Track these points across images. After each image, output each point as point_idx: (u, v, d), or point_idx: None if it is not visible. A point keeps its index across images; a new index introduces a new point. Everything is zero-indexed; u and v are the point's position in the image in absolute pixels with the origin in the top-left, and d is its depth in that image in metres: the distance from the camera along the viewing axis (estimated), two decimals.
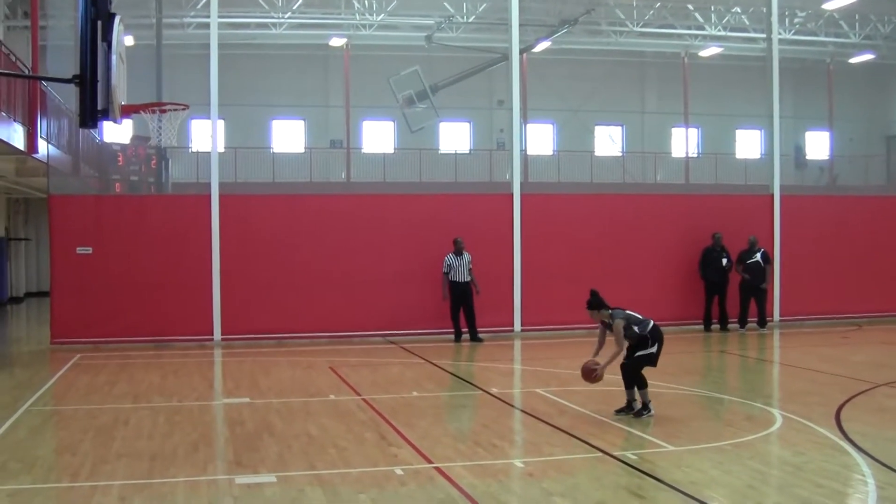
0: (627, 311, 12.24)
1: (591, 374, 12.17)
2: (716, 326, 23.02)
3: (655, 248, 23.17)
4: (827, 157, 46.85)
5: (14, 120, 21.17)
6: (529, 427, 12.08)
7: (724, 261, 22.77)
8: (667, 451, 10.35)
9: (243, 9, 36.84)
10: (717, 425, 12.26)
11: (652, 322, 12.29)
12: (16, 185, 30.04)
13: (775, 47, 24.54)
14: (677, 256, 23.18)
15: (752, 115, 37.36)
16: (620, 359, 12.16)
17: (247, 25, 38.52)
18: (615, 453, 10.18)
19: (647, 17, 39.94)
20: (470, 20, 38.73)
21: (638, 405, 12.16)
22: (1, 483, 9.20)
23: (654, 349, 12.18)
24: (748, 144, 46.83)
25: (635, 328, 12.10)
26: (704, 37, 41.29)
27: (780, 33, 25.79)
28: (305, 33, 39.96)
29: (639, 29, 40.36)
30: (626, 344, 12.06)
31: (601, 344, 12.31)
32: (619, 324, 12.01)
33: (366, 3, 37.94)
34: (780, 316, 23.90)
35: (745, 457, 10.01)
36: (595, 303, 12.22)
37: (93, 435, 11.50)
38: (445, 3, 37.37)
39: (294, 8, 37.38)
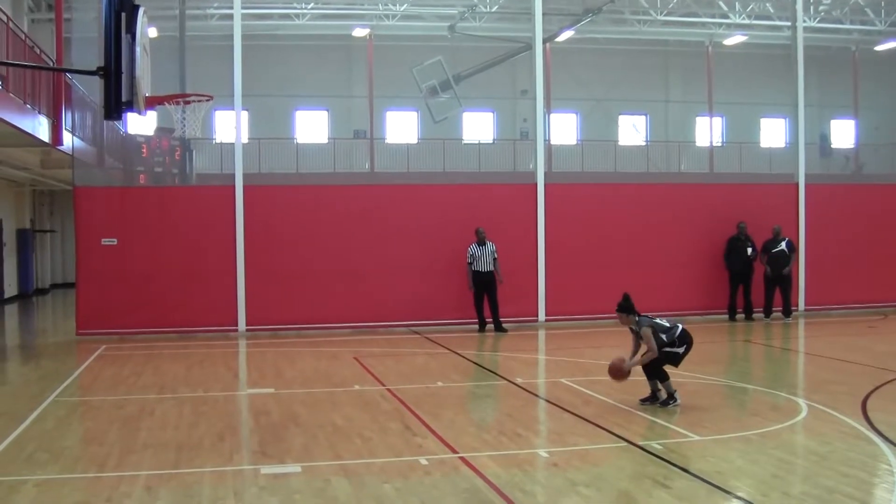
0: (654, 319, 12.18)
1: (618, 371, 12.14)
2: (740, 316, 22.93)
3: (679, 237, 23.08)
4: (852, 146, 46.52)
5: (39, 112, 21.29)
6: (554, 417, 12.07)
7: (749, 250, 22.67)
8: (692, 440, 10.33)
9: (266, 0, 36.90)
10: (743, 415, 12.23)
11: (680, 327, 12.18)
12: (41, 177, 30.20)
13: (800, 35, 24.41)
14: (701, 246, 23.08)
15: (776, 103, 37.09)
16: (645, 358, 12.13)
17: (270, 16, 38.54)
18: (640, 443, 10.17)
19: (670, 6, 39.74)
20: (493, 10, 38.65)
21: (663, 395, 12.12)
22: (29, 473, 9.27)
23: (680, 350, 12.10)
24: (773, 133, 46.55)
25: (662, 336, 12.03)
26: (729, 25, 41.03)
27: (804, 21, 25.65)
28: (328, 24, 39.98)
29: (662, 17, 40.15)
30: (656, 347, 12.01)
31: (634, 353, 12.24)
32: (647, 331, 11.98)
33: None
34: (805, 305, 23.79)
35: (771, 446, 9.98)
36: (626, 307, 12.17)
37: (119, 425, 11.57)
38: None
39: None
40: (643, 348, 12.10)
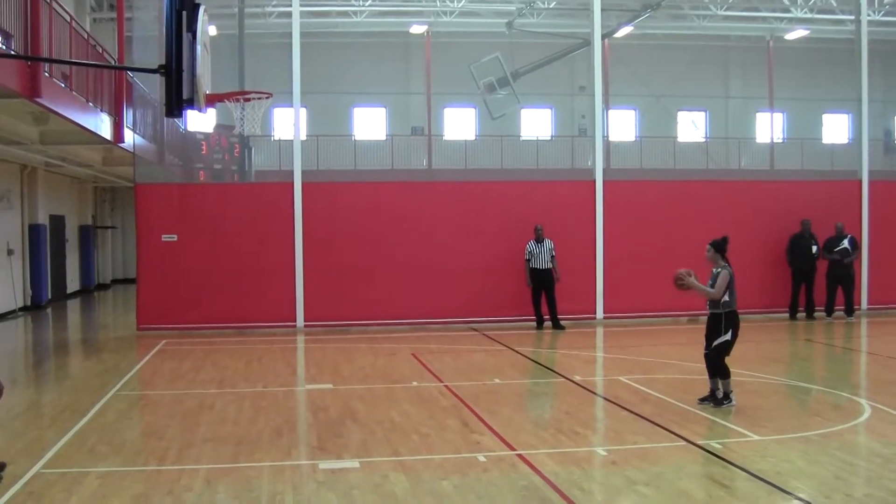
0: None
1: (679, 279, 12.23)
2: (801, 315, 22.65)
3: (739, 235, 22.59)
4: None
5: (101, 110, 21.54)
6: (612, 415, 12.00)
7: (815, 249, 22.36)
8: (752, 440, 10.22)
9: None
10: (804, 415, 12.06)
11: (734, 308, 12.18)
12: (102, 174, 30.58)
13: (864, 29, 24.07)
14: (761, 243, 22.79)
15: (839, 98, 36.61)
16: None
17: (328, 13, 38.72)
18: (699, 442, 10.09)
19: (731, 1, 39.38)
20: (551, 6, 38.52)
21: (721, 395, 12.01)
22: (90, 465, 9.39)
23: (728, 336, 11.99)
24: (835, 129, 46.00)
25: (729, 297, 12.00)
26: (790, 19, 40.61)
27: (868, 14, 25.24)
28: (386, 21, 40.11)
29: (723, 12, 39.82)
30: (721, 296, 11.94)
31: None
32: (726, 275, 11.99)
33: None
34: (868, 304, 23.45)
35: (833, 447, 9.85)
36: (721, 245, 12.33)
37: (179, 420, 11.68)
38: None
39: None
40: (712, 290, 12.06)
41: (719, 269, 12.09)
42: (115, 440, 10.54)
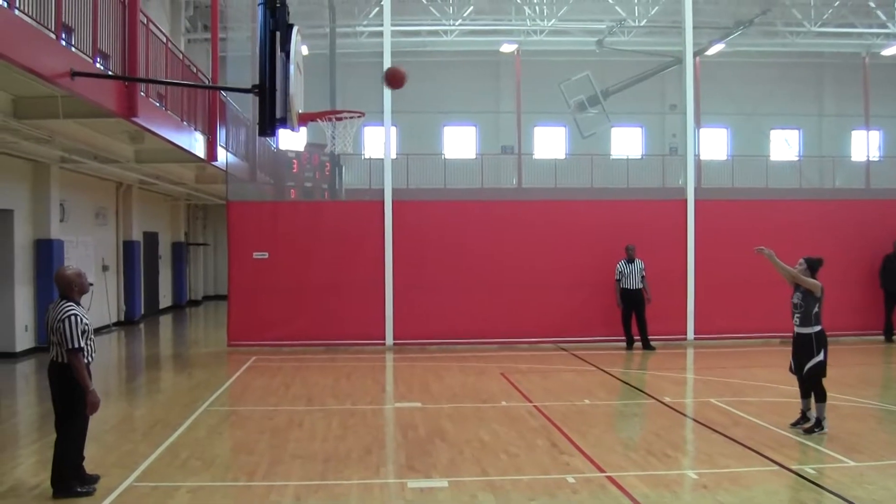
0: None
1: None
2: None
3: (834, 254, 22.15)
4: None
5: (195, 129, 21.87)
6: (703, 437, 11.83)
7: None
8: (847, 466, 10.00)
9: (415, 17, 37.29)
10: None
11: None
12: (195, 191, 31.04)
13: None
14: (857, 264, 22.31)
15: None
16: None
17: (418, 33, 38.91)
18: (792, 467, 9.90)
19: (825, 17, 38.71)
20: (642, 24, 38.28)
21: (812, 415, 11.75)
22: (182, 479, 9.52)
23: (821, 357, 11.78)
24: None
25: (818, 309, 11.91)
26: (887, 35, 39.81)
27: None
28: (476, 40, 40.14)
29: (817, 29, 39.15)
30: (808, 283, 12.14)
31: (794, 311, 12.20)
32: (818, 285, 12.11)
33: (537, 8, 37.94)
34: None
35: None
36: (814, 265, 12.56)
37: (268, 435, 11.78)
38: (617, 7, 37.04)
39: (465, 15, 37.64)
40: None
41: (809, 276, 12.01)
42: (206, 455, 10.67)
